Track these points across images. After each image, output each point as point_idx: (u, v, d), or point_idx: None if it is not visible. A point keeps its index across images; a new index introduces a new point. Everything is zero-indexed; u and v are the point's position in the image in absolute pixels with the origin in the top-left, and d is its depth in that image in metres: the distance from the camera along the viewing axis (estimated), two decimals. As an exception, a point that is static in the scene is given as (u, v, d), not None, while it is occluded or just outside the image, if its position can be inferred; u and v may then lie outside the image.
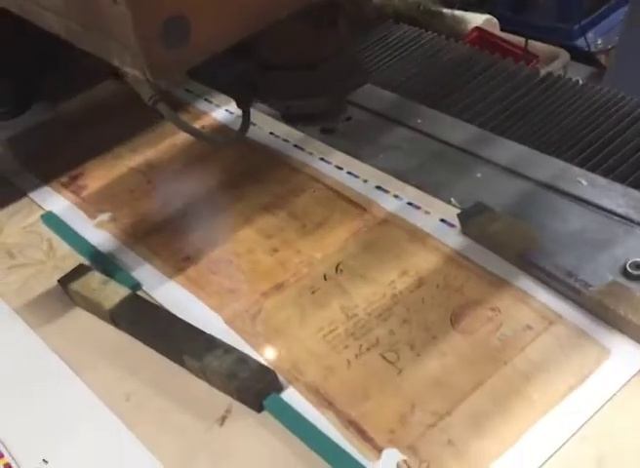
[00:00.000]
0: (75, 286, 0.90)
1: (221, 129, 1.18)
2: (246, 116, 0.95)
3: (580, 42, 2.38)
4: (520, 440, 0.69)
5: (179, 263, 0.95)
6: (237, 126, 0.96)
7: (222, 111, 1.21)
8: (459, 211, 0.94)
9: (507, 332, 0.79)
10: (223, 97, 1.23)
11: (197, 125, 1.18)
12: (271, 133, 1.14)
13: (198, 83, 1.25)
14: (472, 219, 0.90)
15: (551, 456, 0.67)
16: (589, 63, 2.29)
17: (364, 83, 0.97)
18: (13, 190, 1.12)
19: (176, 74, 0.84)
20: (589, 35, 2.36)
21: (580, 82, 1.21)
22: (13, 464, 0.76)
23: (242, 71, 0.94)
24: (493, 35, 1.66)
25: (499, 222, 0.89)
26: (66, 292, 0.92)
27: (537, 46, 1.70)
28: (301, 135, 1.13)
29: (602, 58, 2.44)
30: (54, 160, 1.16)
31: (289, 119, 1.02)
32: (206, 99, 1.25)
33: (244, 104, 0.96)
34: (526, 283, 0.84)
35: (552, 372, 0.74)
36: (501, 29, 1.77)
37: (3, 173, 1.16)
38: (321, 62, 0.89)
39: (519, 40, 1.74)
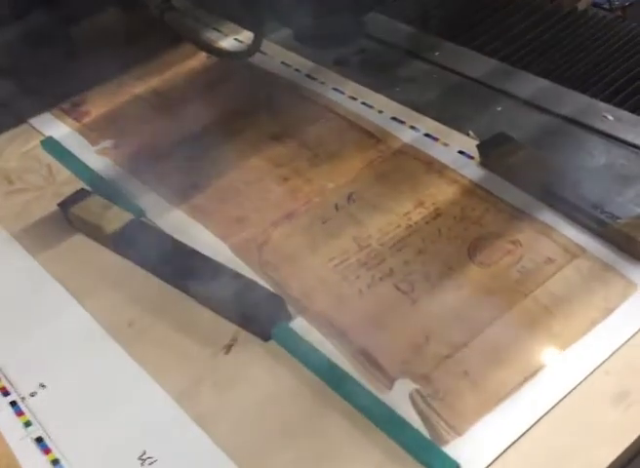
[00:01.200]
0: (75, 209, 0.87)
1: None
2: (258, 37, 0.91)
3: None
4: (540, 373, 0.66)
5: (185, 191, 0.91)
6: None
7: (231, 40, 1.16)
8: (477, 142, 0.89)
9: (528, 265, 0.75)
10: (232, 26, 1.18)
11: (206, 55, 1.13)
12: (283, 62, 1.09)
13: (207, 11, 1.21)
14: (493, 150, 0.86)
15: (573, 390, 0.64)
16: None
17: (379, 3, 0.91)
18: (12, 115, 1.08)
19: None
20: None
21: (606, 17, 1.15)
22: (9, 387, 0.73)
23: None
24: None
25: (520, 153, 0.85)
26: (66, 216, 0.88)
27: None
28: (314, 65, 1.08)
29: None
30: (55, 85, 1.11)
31: (302, 40, 0.96)
32: (215, 29, 1.20)
33: (255, 25, 0.91)
34: (548, 215, 0.80)
35: (575, 306, 0.71)
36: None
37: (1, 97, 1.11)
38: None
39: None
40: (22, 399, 0.72)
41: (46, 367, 0.75)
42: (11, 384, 0.73)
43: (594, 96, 0.99)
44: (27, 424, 0.70)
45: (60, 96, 1.10)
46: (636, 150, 0.88)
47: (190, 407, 0.69)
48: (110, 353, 0.75)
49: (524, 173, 0.83)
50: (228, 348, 0.74)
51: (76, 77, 1.13)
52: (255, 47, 0.91)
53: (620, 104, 0.97)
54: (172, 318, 0.77)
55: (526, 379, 0.65)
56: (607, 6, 2.28)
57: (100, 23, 1.24)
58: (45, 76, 1.13)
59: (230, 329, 0.75)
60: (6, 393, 0.73)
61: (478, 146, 0.87)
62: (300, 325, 0.74)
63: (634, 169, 0.85)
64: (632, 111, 0.95)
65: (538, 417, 0.63)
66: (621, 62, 1.05)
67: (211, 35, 1.18)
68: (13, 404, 0.72)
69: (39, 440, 0.68)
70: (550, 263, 0.75)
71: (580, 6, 1.54)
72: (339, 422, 0.65)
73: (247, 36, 1.13)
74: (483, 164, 0.87)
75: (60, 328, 0.79)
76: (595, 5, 2.23)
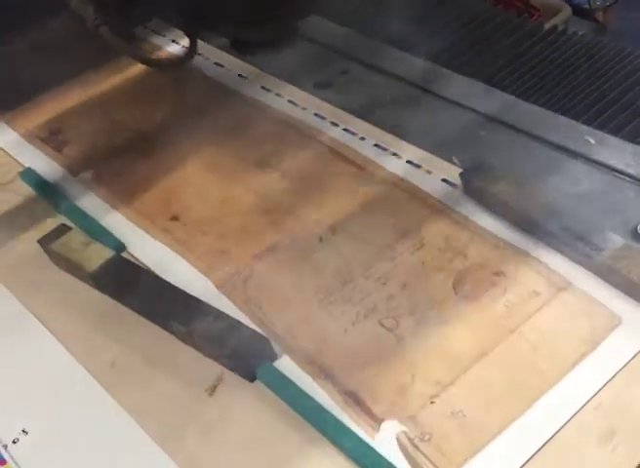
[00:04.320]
0: (56, 246, 0.85)
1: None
2: (193, 43, 0.90)
3: (580, -2, 2.31)
4: (529, 411, 0.65)
5: (166, 223, 0.90)
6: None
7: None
8: (460, 170, 0.89)
9: (513, 299, 0.75)
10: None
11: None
12: (262, 87, 1.09)
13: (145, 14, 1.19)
14: (475, 179, 0.86)
15: (562, 428, 0.64)
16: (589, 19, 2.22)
17: (313, 12, 0.91)
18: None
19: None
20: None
21: (586, 37, 1.15)
22: (-10, 435, 0.72)
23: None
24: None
25: (503, 182, 0.84)
26: (46, 252, 0.87)
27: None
28: (295, 89, 1.08)
29: (599, 16, 2.37)
30: (29, 111, 1.10)
31: (237, 48, 0.95)
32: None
33: (191, 31, 0.91)
34: (532, 246, 0.79)
35: (561, 341, 0.70)
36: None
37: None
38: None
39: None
40: (5, 446, 0.71)
41: (27, 411, 0.74)
42: (-8, 431, 0.72)
43: (576, 117, 0.99)
44: (10, 473, 0.69)
45: (35, 122, 1.08)
46: (620, 176, 0.88)
47: (176, 452, 0.68)
48: (93, 396, 0.74)
49: (507, 203, 0.82)
50: (213, 389, 0.73)
51: (50, 102, 1.12)
52: (189, 55, 0.91)
53: (601, 126, 0.97)
54: (155, 358, 0.76)
55: (514, 419, 0.65)
56: (587, 6, 2.29)
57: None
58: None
59: (215, 369, 0.74)
60: (-12, 441, 0.72)
61: (461, 175, 0.87)
62: (285, 364, 0.73)
63: (618, 196, 0.85)
64: (614, 134, 0.95)
65: (526, 458, 0.62)
66: (602, 83, 1.05)
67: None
68: (-5, 452, 0.71)
69: (23, 490, 0.67)
70: (536, 297, 0.74)
71: (561, 17, 1.55)
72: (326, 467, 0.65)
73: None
74: (466, 192, 0.86)
75: (40, 369, 0.77)
76: (575, 5, 2.25)
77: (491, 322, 0.73)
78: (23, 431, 0.72)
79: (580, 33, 1.16)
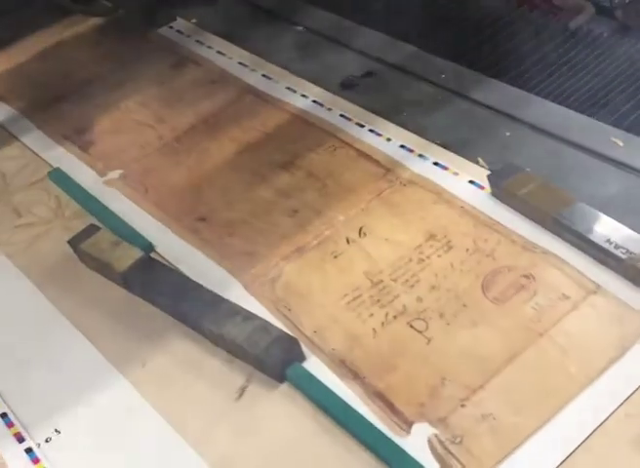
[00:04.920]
0: (85, 246, 0.86)
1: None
2: None
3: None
4: (558, 415, 0.65)
5: (193, 224, 0.91)
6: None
7: (234, 62, 1.16)
8: (488, 172, 0.89)
9: (542, 302, 0.75)
10: (228, 45, 1.19)
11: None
12: (288, 87, 1.09)
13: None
14: (503, 181, 0.86)
15: (592, 433, 0.64)
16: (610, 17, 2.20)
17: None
18: (18, 145, 1.07)
19: None
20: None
21: (612, 37, 1.15)
22: (24, 433, 0.73)
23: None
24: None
25: (531, 184, 0.84)
26: (76, 252, 0.88)
27: (560, -1, 1.62)
28: (320, 89, 1.08)
29: (619, 14, 2.35)
30: (58, 113, 1.11)
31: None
32: (219, 52, 1.19)
33: None
34: (561, 249, 0.79)
35: (591, 345, 0.70)
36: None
37: (7, 127, 1.11)
38: None
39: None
40: (38, 445, 0.72)
41: (60, 410, 0.75)
42: (25, 429, 0.73)
43: (603, 119, 0.98)
44: (44, 472, 0.70)
45: (63, 123, 1.09)
46: (647, 178, 0.87)
47: (208, 452, 0.69)
48: (125, 396, 0.75)
49: (535, 204, 0.82)
50: (242, 390, 0.73)
51: (78, 103, 1.13)
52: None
53: (629, 128, 0.97)
54: (185, 358, 0.77)
55: (544, 423, 0.65)
56: (607, 4, 2.27)
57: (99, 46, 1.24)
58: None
59: (244, 370, 0.75)
60: (21, 439, 0.72)
61: (489, 177, 0.87)
62: (313, 365, 0.73)
63: (646, 198, 0.84)
64: (640, 135, 0.95)
65: (557, 463, 0.62)
66: (630, 84, 1.04)
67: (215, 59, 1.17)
68: (28, 450, 0.71)
69: (56, 488, 0.68)
70: (565, 300, 0.74)
71: (584, 16, 1.54)
72: (357, 469, 0.65)
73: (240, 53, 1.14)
74: (494, 195, 0.86)
75: (72, 369, 0.78)
76: (596, 3, 2.23)
77: (520, 325, 0.73)
78: (56, 430, 0.73)
79: (606, 34, 1.16)
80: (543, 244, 0.80)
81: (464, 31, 1.19)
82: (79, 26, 1.31)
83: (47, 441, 0.72)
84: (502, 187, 0.85)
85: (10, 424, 0.74)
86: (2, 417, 0.74)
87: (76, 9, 1.30)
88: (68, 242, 0.88)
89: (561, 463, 0.63)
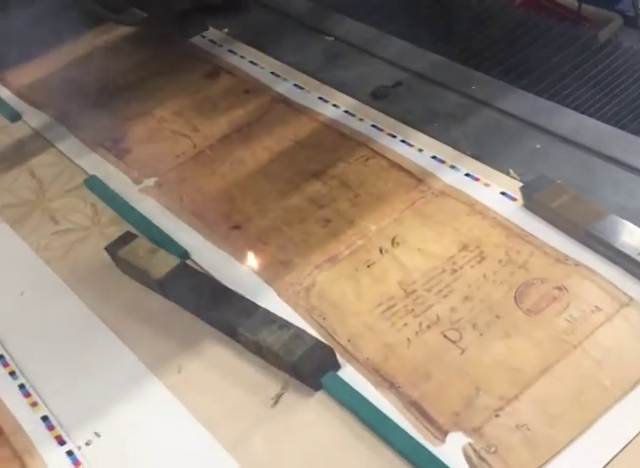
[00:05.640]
0: (122, 253, 0.88)
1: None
2: None
3: (626, 4, 2.29)
4: (592, 427, 0.66)
5: (227, 232, 0.92)
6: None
7: (267, 73, 1.17)
8: (519, 183, 0.90)
9: (575, 314, 0.75)
10: (266, 58, 1.20)
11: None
12: (320, 97, 1.10)
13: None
14: (536, 193, 0.86)
15: (627, 445, 0.64)
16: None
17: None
18: (54, 152, 1.10)
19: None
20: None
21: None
22: (64, 436, 0.74)
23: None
24: (542, -3, 1.59)
25: (564, 197, 0.85)
26: (113, 259, 0.89)
27: (588, 9, 1.63)
28: (352, 99, 1.09)
29: (645, 23, 2.34)
30: (93, 121, 1.13)
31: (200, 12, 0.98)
32: (251, 62, 1.21)
33: None
34: (593, 261, 0.80)
35: (625, 357, 0.71)
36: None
37: (43, 134, 1.13)
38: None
39: (568, 3, 1.67)
40: (78, 448, 0.73)
41: (99, 414, 0.76)
42: (66, 433, 0.75)
43: (635, 132, 0.99)
44: (84, 474, 0.71)
45: (99, 132, 1.11)
46: (679, 191, 0.88)
47: (244, 458, 0.70)
48: (162, 400, 0.76)
49: (568, 217, 0.83)
50: (278, 397, 0.75)
51: (113, 112, 1.15)
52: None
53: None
54: (221, 364, 0.78)
55: (578, 434, 0.66)
56: (632, 13, 2.27)
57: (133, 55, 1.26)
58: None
59: (279, 377, 0.76)
60: (62, 442, 0.74)
61: (522, 189, 0.88)
62: (348, 374, 0.75)
63: (678, 211, 0.85)
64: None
65: (592, 474, 0.63)
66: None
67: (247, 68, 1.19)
68: (69, 453, 0.73)
69: (97, 491, 0.70)
70: (598, 312, 0.75)
71: (612, 27, 1.55)
72: (393, 478, 0.66)
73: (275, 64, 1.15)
74: (526, 206, 0.87)
75: (110, 373, 0.80)
76: (620, 11, 2.22)
77: (553, 337, 0.74)
78: (96, 433, 0.75)
79: (635, 46, 1.16)
80: (576, 256, 0.81)
81: (495, 43, 1.20)
82: (111, 35, 1.33)
83: (87, 444, 0.74)
84: (535, 199, 0.86)
85: (51, 427, 0.75)
86: (43, 420, 0.76)
87: (110, 18, 1.32)
88: (106, 249, 0.90)
89: (596, 474, 0.63)
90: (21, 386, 0.80)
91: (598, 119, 1.02)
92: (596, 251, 0.81)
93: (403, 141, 1.00)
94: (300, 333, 0.76)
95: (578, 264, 0.80)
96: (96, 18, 1.35)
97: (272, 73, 1.17)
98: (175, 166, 1.03)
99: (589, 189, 0.88)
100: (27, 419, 0.76)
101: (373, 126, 1.03)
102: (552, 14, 1.38)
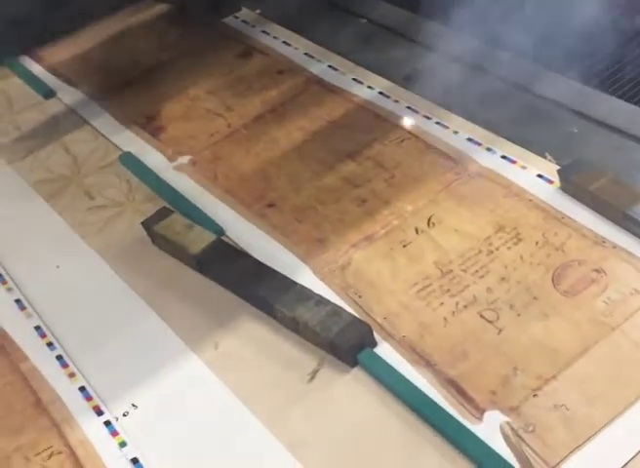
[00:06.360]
0: (159, 228, 0.88)
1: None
2: None
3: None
4: (632, 407, 0.66)
5: (262, 210, 0.93)
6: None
7: (300, 53, 1.17)
8: (556, 166, 0.89)
9: (613, 296, 0.75)
10: (299, 38, 1.20)
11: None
12: (354, 78, 1.10)
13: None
14: (574, 176, 0.86)
15: (667, 426, 0.64)
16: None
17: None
18: (89, 129, 1.10)
19: None
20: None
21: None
22: (102, 407, 0.75)
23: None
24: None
25: (602, 180, 0.84)
26: (149, 234, 0.90)
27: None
28: (386, 81, 1.09)
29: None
30: (127, 98, 1.13)
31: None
32: (285, 42, 1.21)
33: None
34: (631, 243, 0.80)
35: (664, 340, 0.71)
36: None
37: (78, 111, 1.14)
38: None
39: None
40: (116, 419, 0.74)
41: (136, 386, 0.77)
42: (104, 403, 0.76)
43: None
44: (122, 444, 0.72)
45: (133, 109, 1.12)
46: None
47: (281, 433, 0.70)
48: (199, 375, 0.77)
49: (606, 200, 0.83)
50: (314, 373, 0.75)
51: (147, 90, 1.15)
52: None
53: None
54: (257, 340, 0.79)
55: (618, 414, 0.66)
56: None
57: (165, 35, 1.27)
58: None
59: (316, 353, 0.76)
60: (100, 412, 0.75)
61: (559, 172, 0.87)
62: (385, 351, 0.75)
63: None
64: None
65: (632, 455, 0.63)
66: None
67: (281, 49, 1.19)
68: (107, 423, 0.74)
69: (134, 461, 0.70)
70: (636, 295, 0.75)
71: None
72: (430, 453, 0.66)
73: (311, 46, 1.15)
74: (563, 189, 0.87)
75: (147, 347, 0.81)
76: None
77: (592, 318, 0.73)
78: (133, 405, 0.75)
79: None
80: (613, 239, 0.81)
81: (531, 24, 1.19)
82: (143, 14, 1.33)
83: (124, 415, 0.74)
84: (573, 182, 0.86)
85: (88, 398, 0.76)
86: (81, 391, 0.77)
87: None
88: (142, 224, 0.90)
89: (635, 455, 0.63)
90: (59, 357, 0.80)
91: (636, 103, 1.01)
92: (634, 233, 0.80)
93: (438, 123, 1.00)
94: (337, 310, 0.77)
95: (615, 247, 0.80)
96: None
97: (306, 54, 1.17)
98: (209, 145, 1.03)
99: (625, 172, 0.88)
100: (65, 390, 0.77)
101: (408, 107, 1.03)
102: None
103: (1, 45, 1.21)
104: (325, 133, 1.02)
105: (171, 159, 1.02)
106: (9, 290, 0.89)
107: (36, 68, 1.24)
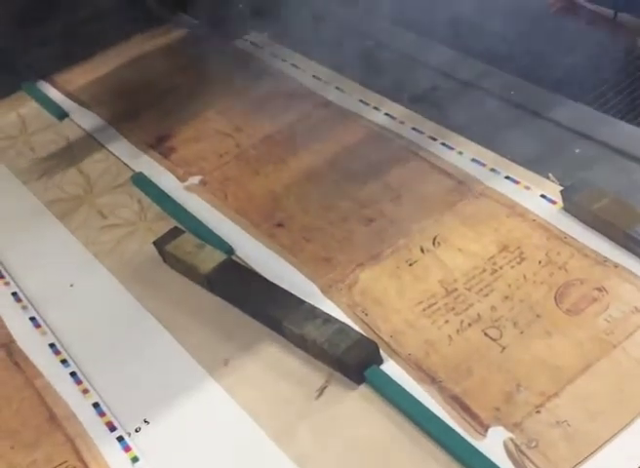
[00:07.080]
0: (170, 248, 0.91)
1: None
2: None
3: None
4: (633, 424, 0.67)
5: (271, 229, 0.95)
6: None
7: (309, 77, 1.20)
8: (559, 187, 0.91)
9: (615, 314, 0.77)
10: (307, 61, 1.22)
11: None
12: (360, 100, 1.12)
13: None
14: (576, 197, 0.88)
15: (667, 443, 0.66)
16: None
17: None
18: (101, 150, 1.13)
19: None
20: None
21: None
22: (115, 422, 0.77)
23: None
24: (578, 5, 1.60)
25: (604, 200, 0.86)
26: (161, 254, 0.92)
27: (624, 17, 1.64)
28: (392, 103, 1.11)
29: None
30: (139, 120, 1.16)
31: None
32: (293, 65, 1.24)
33: None
34: (633, 263, 0.81)
35: (665, 358, 0.72)
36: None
37: (91, 132, 1.17)
38: None
39: (603, 10, 1.68)
40: (128, 434, 0.76)
41: (148, 402, 0.79)
42: (116, 419, 0.77)
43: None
44: (135, 460, 0.74)
45: (144, 130, 1.14)
46: None
47: (289, 449, 0.72)
48: (209, 391, 0.79)
49: (608, 220, 0.84)
50: (322, 390, 0.77)
51: (158, 111, 1.18)
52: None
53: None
54: (266, 358, 0.81)
55: (619, 431, 0.67)
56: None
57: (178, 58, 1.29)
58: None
59: (324, 371, 0.78)
60: (112, 428, 0.77)
61: (562, 192, 0.89)
62: (391, 368, 0.76)
63: None
64: None
65: (633, 470, 0.65)
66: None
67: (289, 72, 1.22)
68: (119, 439, 0.75)
69: (147, 476, 0.72)
70: (637, 313, 0.76)
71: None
72: (436, 471, 0.68)
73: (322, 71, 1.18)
74: (566, 209, 0.88)
75: (159, 364, 0.83)
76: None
77: (593, 336, 0.75)
78: (145, 421, 0.77)
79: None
80: (615, 258, 0.82)
81: (531, 49, 1.22)
82: (158, 39, 1.37)
83: (137, 431, 0.76)
84: (575, 202, 0.88)
85: (102, 414, 0.78)
86: (94, 407, 0.79)
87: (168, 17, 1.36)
88: (154, 243, 0.92)
89: (637, 470, 0.65)
90: (73, 374, 0.82)
91: (638, 125, 1.03)
92: (635, 253, 0.82)
93: (443, 144, 1.02)
94: (344, 328, 0.78)
95: (617, 266, 0.81)
96: (153, 18, 1.38)
97: (314, 77, 1.19)
98: (219, 165, 1.06)
99: (627, 194, 0.89)
100: (79, 405, 0.79)
101: (413, 129, 1.05)
102: (585, 20, 1.38)
103: (19, 70, 1.24)
104: (332, 154, 1.04)
105: (182, 179, 1.05)
106: (24, 308, 0.91)
107: (52, 92, 1.28)
